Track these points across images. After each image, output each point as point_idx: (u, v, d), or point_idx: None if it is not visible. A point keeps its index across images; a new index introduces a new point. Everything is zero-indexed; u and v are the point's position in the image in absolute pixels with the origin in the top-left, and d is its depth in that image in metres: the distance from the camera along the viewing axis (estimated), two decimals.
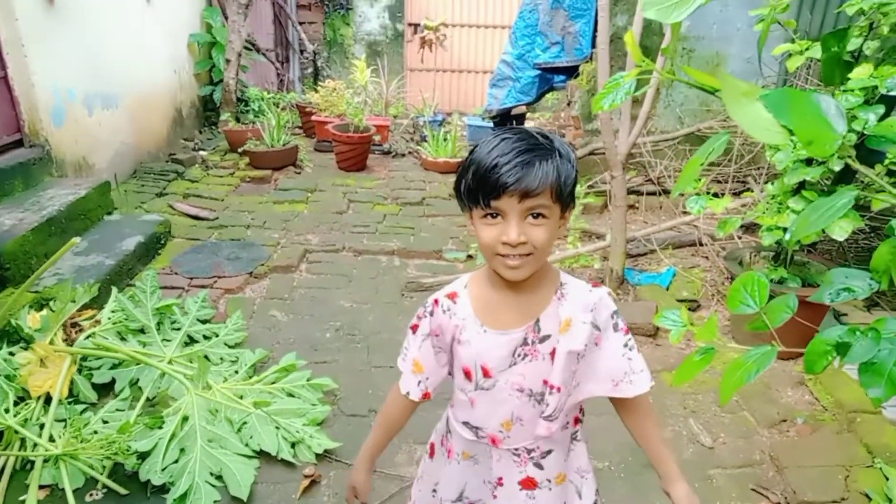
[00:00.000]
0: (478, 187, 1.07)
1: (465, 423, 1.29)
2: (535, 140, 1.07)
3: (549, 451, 1.25)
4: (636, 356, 1.19)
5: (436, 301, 1.26)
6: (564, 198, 1.08)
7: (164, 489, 2.08)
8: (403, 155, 6.59)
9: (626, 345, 1.19)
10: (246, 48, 6.60)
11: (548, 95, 6.88)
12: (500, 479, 1.28)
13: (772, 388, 2.77)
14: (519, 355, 1.18)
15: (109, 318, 2.79)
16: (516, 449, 1.25)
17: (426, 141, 6.43)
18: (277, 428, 2.32)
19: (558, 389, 1.16)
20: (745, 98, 0.55)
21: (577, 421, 1.30)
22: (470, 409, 1.26)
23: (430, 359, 1.28)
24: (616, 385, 1.19)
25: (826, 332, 0.71)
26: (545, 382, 1.18)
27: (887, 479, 2.16)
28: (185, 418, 2.29)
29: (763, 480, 2.28)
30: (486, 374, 1.20)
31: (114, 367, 2.59)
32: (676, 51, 4.88)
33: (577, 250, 3.84)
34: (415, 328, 1.28)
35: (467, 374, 1.23)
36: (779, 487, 2.24)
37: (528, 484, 1.26)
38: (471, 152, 1.12)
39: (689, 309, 3.38)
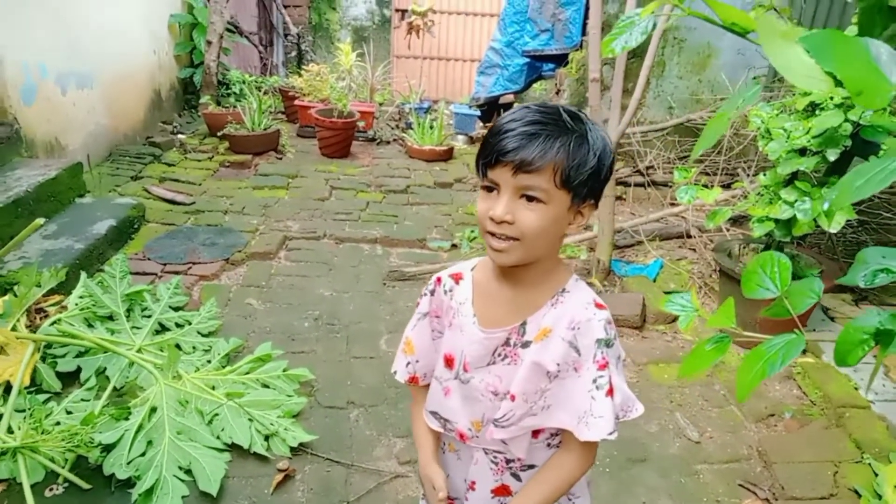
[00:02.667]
0: (479, 152, 1.01)
1: (434, 414, 1.20)
2: (556, 116, 0.98)
3: (530, 466, 1.16)
4: (602, 399, 1.03)
5: (438, 279, 1.19)
6: (574, 186, 0.97)
7: (129, 483, 1.98)
8: (388, 142, 6.47)
9: (594, 381, 1.03)
10: (228, 30, 6.44)
11: (536, 84, 6.80)
12: (473, 483, 1.20)
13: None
14: (499, 355, 1.09)
15: (77, 304, 2.66)
16: (495, 456, 1.16)
17: (412, 128, 6.31)
18: (251, 420, 2.22)
19: (512, 398, 1.07)
20: (783, 40, 0.47)
21: None
22: (443, 398, 1.17)
23: (424, 340, 1.21)
24: (577, 422, 1.05)
25: (861, 319, 0.63)
26: None
27: (876, 475, 2.12)
28: (154, 409, 2.18)
29: (751, 476, 2.23)
30: (465, 368, 1.12)
31: (80, 355, 2.48)
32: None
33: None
34: (417, 305, 1.22)
35: (449, 362, 1.15)
36: (767, 483, 2.19)
37: (502, 491, 1.18)
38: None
39: None
